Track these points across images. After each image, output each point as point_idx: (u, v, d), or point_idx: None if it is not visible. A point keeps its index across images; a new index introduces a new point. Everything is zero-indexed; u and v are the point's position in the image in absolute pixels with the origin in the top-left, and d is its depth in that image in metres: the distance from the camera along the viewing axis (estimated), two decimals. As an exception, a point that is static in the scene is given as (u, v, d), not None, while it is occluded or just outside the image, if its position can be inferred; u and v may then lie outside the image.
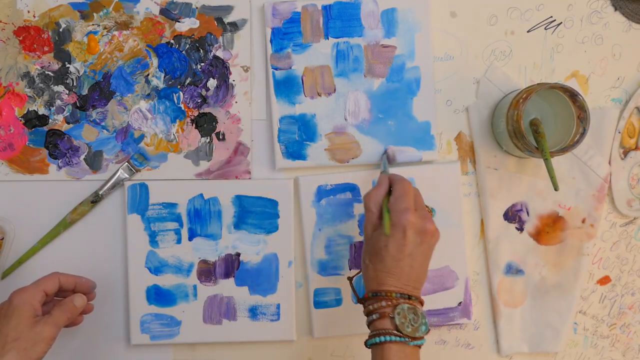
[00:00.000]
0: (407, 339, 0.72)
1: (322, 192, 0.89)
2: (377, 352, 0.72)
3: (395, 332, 0.72)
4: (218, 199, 0.88)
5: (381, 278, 0.74)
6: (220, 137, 0.89)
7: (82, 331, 0.89)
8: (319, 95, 0.89)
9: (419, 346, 0.73)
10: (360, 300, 0.77)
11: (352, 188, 0.89)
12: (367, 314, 0.75)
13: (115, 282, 0.89)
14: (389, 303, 0.73)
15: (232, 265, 0.89)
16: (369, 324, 0.75)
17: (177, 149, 0.89)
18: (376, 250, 0.75)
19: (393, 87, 0.89)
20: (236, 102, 0.89)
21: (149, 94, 0.89)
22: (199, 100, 0.89)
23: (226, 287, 0.88)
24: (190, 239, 0.88)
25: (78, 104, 0.88)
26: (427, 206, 0.84)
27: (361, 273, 0.79)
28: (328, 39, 0.89)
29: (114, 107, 0.89)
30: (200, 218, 0.88)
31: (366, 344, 0.74)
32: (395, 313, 0.72)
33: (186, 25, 0.88)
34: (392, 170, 0.87)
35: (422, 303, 0.75)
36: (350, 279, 0.84)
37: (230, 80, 0.89)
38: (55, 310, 0.78)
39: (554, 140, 0.85)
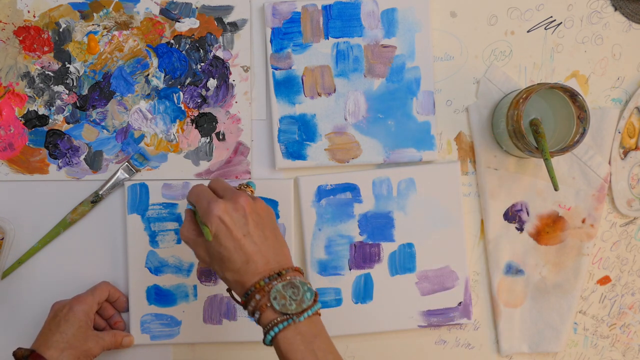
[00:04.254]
0: (293, 318, 0.66)
1: (322, 192, 0.89)
2: (276, 349, 0.67)
3: (279, 318, 0.66)
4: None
5: (240, 276, 0.69)
6: (220, 137, 0.89)
7: (82, 331, 0.89)
8: (319, 95, 0.89)
9: (317, 313, 0.69)
10: (243, 306, 0.70)
11: (352, 188, 0.89)
12: (252, 316, 0.69)
13: (115, 282, 0.89)
14: (262, 293, 0.67)
15: (232, 265, 0.89)
16: (259, 324, 0.69)
17: (177, 149, 0.89)
18: (216, 257, 0.70)
19: (393, 87, 0.89)
20: (236, 102, 0.89)
21: (149, 94, 0.89)
22: (199, 100, 0.89)
23: (226, 287, 0.88)
24: (190, 239, 0.88)
25: (78, 104, 0.88)
26: (241, 184, 0.77)
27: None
28: (328, 39, 0.89)
29: (114, 107, 0.89)
30: (200, 218, 0.88)
31: (265, 344, 0.68)
32: (271, 299, 0.67)
33: (186, 25, 0.88)
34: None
35: (298, 271, 0.70)
36: (228, 290, 0.75)
37: (230, 80, 0.89)
38: (107, 336, 0.84)
39: (554, 140, 0.85)
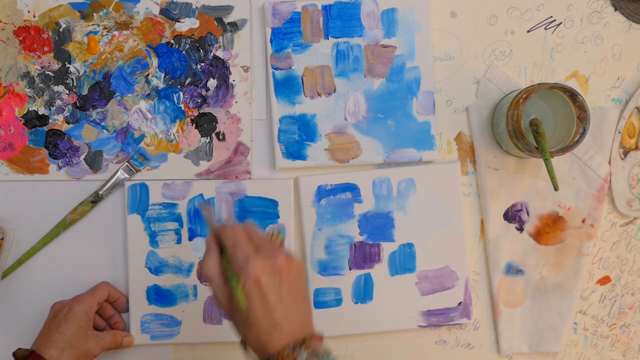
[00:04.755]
0: None
1: (322, 192, 0.89)
2: None
3: None
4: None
5: (265, 341, 0.65)
6: (220, 137, 0.89)
7: (82, 331, 0.89)
8: (319, 95, 0.89)
9: None
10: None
11: (352, 188, 0.89)
12: None
13: (115, 283, 0.89)
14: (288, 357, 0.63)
15: (232, 265, 0.89)
16: None
17: (177, 149, 0.89)
18: (243, 320, 0.65)
19: (393, 87, 0.89)
20: (236, 102, 0.89)
21: (149, 94, 0.89)
22: (199, 100, 0.89)
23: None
24: (190, 239, 0.88)
25: (78, 104, 0.88)
26: (273, 232, 0.73)
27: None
28: (328, 39, 0.89)
29: (114, 107, 0.89)
30: (201, 218, 0.88)
31: None
32: None
33: (186, 25, 0.88)
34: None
35: (319, 339, 0.66)
36: (242, 343, 0.69)
37: (230, 80, 0.89)
38: (107, 336, 0.84)
39: (554, 140, 0.85)
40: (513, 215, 0.91)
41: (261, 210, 0.88)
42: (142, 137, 0.89)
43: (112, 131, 0.89)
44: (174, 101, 0.89)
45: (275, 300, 0.65)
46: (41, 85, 0.88)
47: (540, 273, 0.91)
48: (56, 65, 0.88)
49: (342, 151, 0.89)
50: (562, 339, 0.91)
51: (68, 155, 0.88)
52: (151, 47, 0.88)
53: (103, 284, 0.87)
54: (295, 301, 0.66)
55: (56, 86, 0.88)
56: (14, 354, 0.78)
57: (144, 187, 0.88)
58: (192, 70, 0.89)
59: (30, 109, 0.88)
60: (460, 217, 0.89)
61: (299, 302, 0.66)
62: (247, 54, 0.89)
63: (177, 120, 0.89)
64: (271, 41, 0.88)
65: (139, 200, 0.88)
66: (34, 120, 0.88)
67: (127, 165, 0.88)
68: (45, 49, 0.88)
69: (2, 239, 0.87)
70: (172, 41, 0.88)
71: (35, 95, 0.88)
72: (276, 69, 0.89)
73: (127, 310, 0.88)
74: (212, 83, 0.89)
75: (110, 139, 0.89)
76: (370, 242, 0.89)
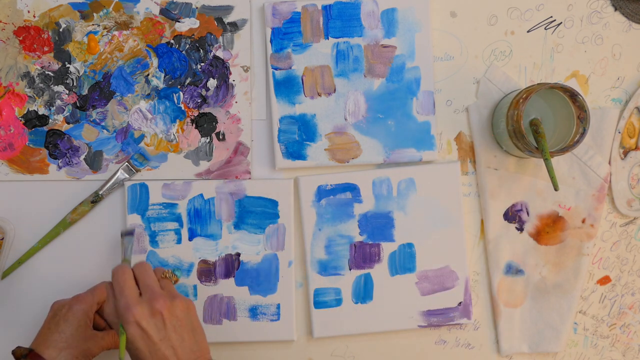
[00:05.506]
0: None
1: (322, 192, 0.89)
2: None
3: None
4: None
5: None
6: (220, 137, 0.89)
7: (82, 331, 0.89)
8: (319, 95, 0.89)
9: None
10: None
11: (352, 188, 0.89)
12: None
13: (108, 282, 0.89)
14: None
15: (232, 265, 0.89)
16: None
17: (177, 149, 0.89)
18: (133, 355, 0.74)
19: (393, 87, 0.89)
20: (236, 102, 0.89)
21: (149, 94, 0.89)
22: (199, 100, 0.89)
23: (226, 287, 0.88)
24: (190, 239, 0.88)
25: (78, 104, 0.88)
26: (165, 272, 0.81)
27: None
28: (328, 39, 0.89)
29: (114, 107, 0.89)
30: (200, 218, 0.88)
31: None
32: None
33: (186, 25, 0.88)
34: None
35: None
36: None
37: (230, 80, 0.89)
38: (107, 336, 0.84)
39: (554, 140, 0.85)
40: (513, 215, 0.91)
41: (261, 210, 0.88)
42: (142, 137, 0.89)
43: (112, 131, 0.89)
44: (174, 101, 0.89)
45: (160, 338, 0.72)
46: (41, 85, 0.88)
47: (540, 273, 0.91)
48: (56, 65, 0.88)
49: (342, 151, 0.89)
50: (562, 339, 0.91)
51: (68, 155, 0.88)
52: (151, 47, 0.88)
53: (103, 284, 0.86)
54: (182, 339, 0.73)
55: (56, 86, 0.88)
56: (13, 353, 0.78)
57: (144, 187, 0.88)
58: (192, 70, 0.89)
59: (30, 109, 0.88)
60: (460, 217, 0.89)
61: (186, 339, 0.74)
62: (247, 54, 0.89)
63: (177, 120, 0.89)
64: (271, 41, 0.88)
65: (139, 200, 0.88)
66: (34, 120, 0.88)
67: (127, 165, 0.88)
68: (45, 49, 0.88)
69: (2, 239, 0.87)
70: (172, 41, 0.88)
71: (35, 95, 0.88)
72: (276, 69, 0.89)
73: None
74: (212, 83, 0.89)
75: (110, 139, 0.89)
76: (370, 242, 0.89)
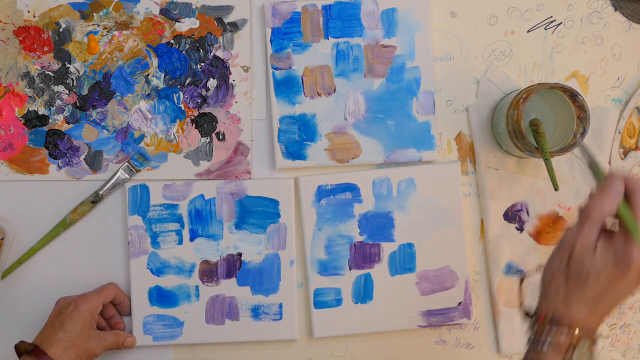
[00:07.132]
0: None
1: (322, 192, 0.89)
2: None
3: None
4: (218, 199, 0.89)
5: (572, 305, 0.63)
6: (220, 137, 0.89)
7: (82, 331, 0.89)
8: (319, 95, 0.89)
9: None
10: (530, 314, 0.67)
11: (352, 188, 0.89)
12: (536, 337, 0.65)
13: (116, 283, 0.89)
14: (570, 340, 0.63)
15: (233, 265, 0.89)
16: (532, 344, 0.65)
17: (177, 149, 0.89)
18: (585, 272, 0.63)
19: (393, 87, 0.89)
20: (236, 102, 0.89)
21: (149, 94, 0.89)
22: (199, 100, 0.89)
23: (228, 287, 0.89)
24: (191, 239, 0.88)
25: (78, 104, 0.88)
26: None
27: (541, 279, 0.67)
28: (328, 39, 0.89)
29: (114, 107, 0.88)
30: (201, 218, 0.88)
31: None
32: (573, 354, 0.63)
33: (186, 25, 0.88)
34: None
35: (595, 341, 0.65)
36: (521, 280, 0.71)
37: (230, 80, 0.89)
38: (110, 336, 0.84)
39: (554, 140, 0.85)
40: (513, 215, 0.91)
41: (262, 210, 0.88)
42: (142, 137, 0.89)
43: (112, 131, 0.89)
44: (174, 101, 0.89)
45: (618, 289, 0.63)
46: (41, 85, 0.88)
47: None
48: (56, 65, 0.88)
49: (342, 151, 0.89)
50: (561, 339, 0.91)
51: (68, 155, 0.88)
52: (151, 47, 0.88)
53: (111, 285, 0.87)
54: (617, 301, 0.64)
55: (56, 86, 0.88)
56: (16, 347, 0.78)
57: (144, 189, 0.88)
58: (192, 70, 0.89)
59: (30, 109, 0.88)
60: (460, 217, 0.89)
61: (618, 303, 0.64)
62: (247, 54, 0.89)
63: (177, 120, 0.89)
64: (271, 41, 0.88)
65: (139, 202, 0.88)
66: (34, 120, 0.88)
67: (127, 165, 0.88)
68: (45, 49, 0.88)
69: (2, 239, 0.87)
70: (172, 41, 0.88)
71: (35, 95, 0.88)
72: (276, 69, 0.89)
73: (129, 314, 0.88)
74: (212, 83, 0.89)
75: (110, 139, 0.89)
76: (370, 242, 0.89)
